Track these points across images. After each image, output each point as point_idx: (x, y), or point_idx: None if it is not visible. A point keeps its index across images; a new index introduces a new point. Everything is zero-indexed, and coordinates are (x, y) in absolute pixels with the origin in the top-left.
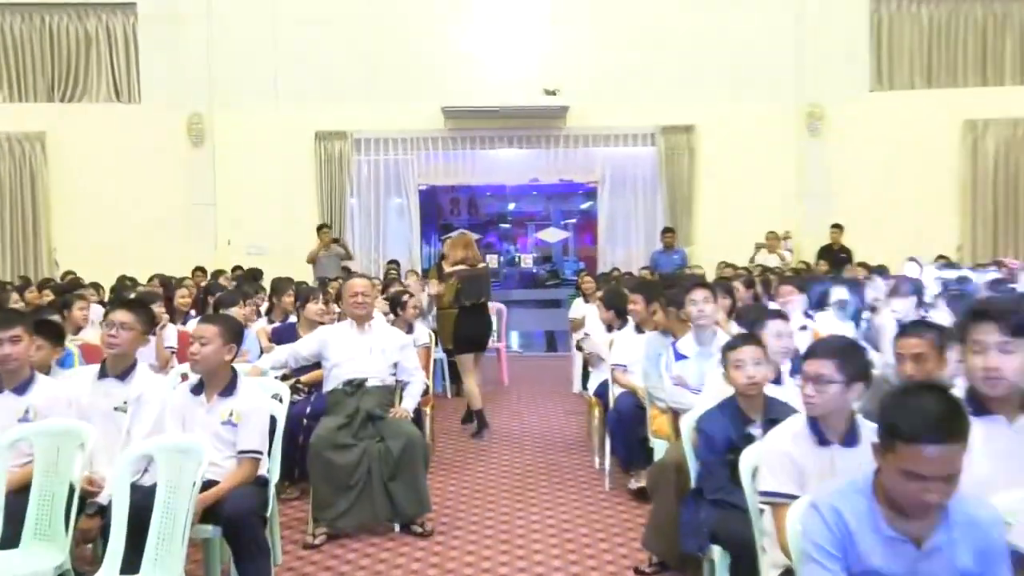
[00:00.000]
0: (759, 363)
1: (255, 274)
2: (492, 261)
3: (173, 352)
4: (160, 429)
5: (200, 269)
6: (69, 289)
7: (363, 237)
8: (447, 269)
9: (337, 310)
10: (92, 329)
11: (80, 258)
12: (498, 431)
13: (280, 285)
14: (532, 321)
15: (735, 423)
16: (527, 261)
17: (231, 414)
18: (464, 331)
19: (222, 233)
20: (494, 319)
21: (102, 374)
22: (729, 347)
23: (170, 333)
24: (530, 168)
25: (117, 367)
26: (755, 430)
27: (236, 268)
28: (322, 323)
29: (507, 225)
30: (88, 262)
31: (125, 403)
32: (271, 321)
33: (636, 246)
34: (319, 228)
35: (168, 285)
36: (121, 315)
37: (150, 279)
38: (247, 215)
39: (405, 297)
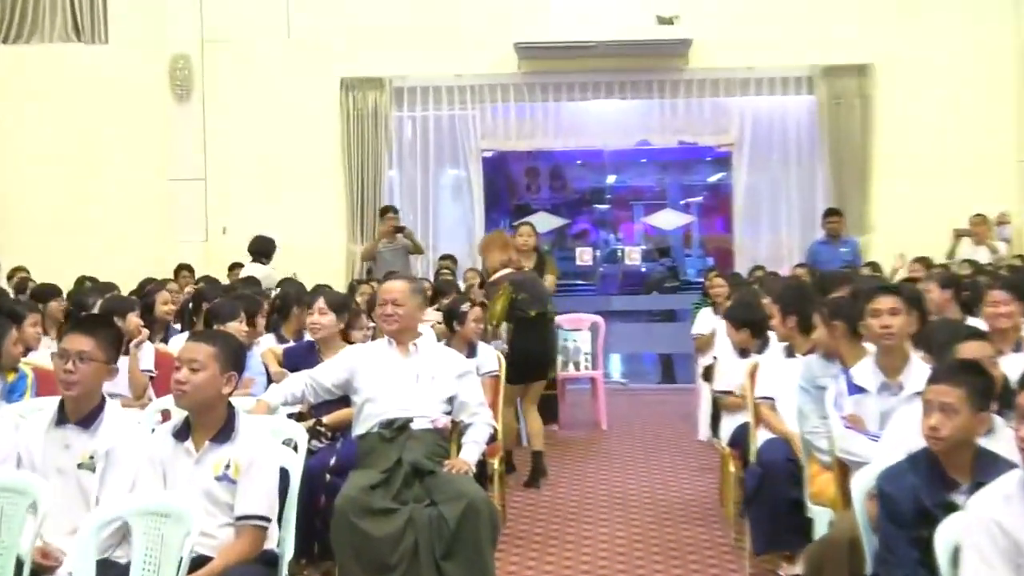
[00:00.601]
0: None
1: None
2: (583, 256)
3: (151, 378)
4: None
5: (186, 268)
6: (45, 296)
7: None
8: (491, 277)
9: (371, 324)
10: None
11: (26, 252)
12: (593, 494)
13: (293, 291)
14: (641, 340)
15: (931, 485)
16: (633, 256)
17: (228, 467)
18: (522, 352)
19: (215, 218)
20: (587, 337)
21: (60, 419)
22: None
23: (147, 353)
24: (637, 127)
25: (79, 410)
26: (959, 496)
27: (234, 267)
28: (349, 342)
29: (605, 206)
30: (37, 257)
31: (91, 458)
32: (281, 339)
33: (788, 235)
34: (384, 212)
35: (147, 289)
36: (78, 341)
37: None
38: (248, 193)
39: (465, 307)
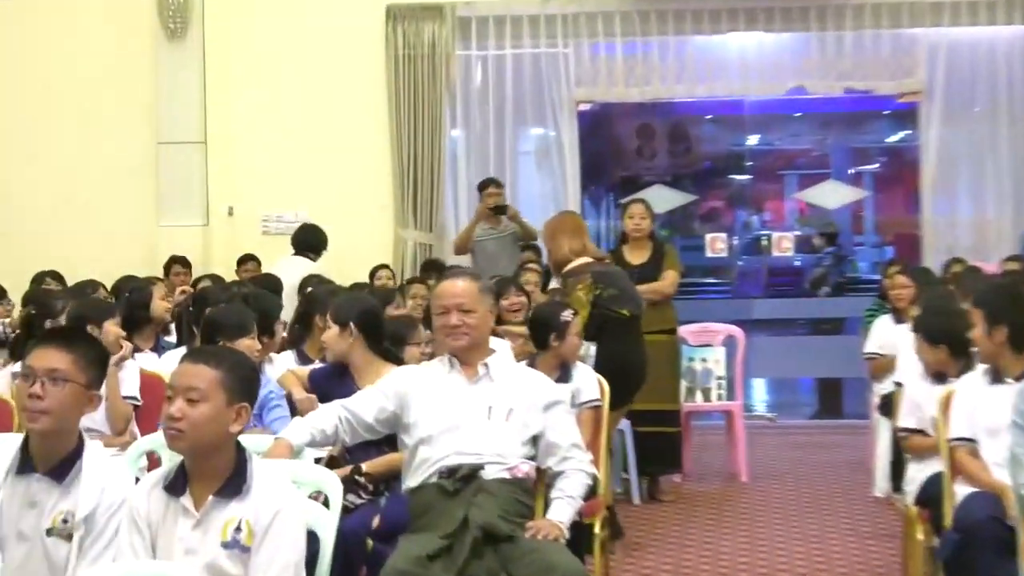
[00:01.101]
0: None
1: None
2: (715, 245)
3: (136, 407)
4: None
5: (179, 261)
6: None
7: (474, 199)
8: (565, 268)
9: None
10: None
11: None
12: (729, 568)
13: (320, 294)
14: (794, 359)
15: None
16: (784, 244)
17: (239, 529)
18: (620, 364)
19: (218, 195)
20: (720, 355)
21: (23, 467)
22: None
23: (130, 374)
24: (789, 70)
25: (49, 455)
26: None
27: (245, 260)
28: (399, 363)
29: (744, 177)
30: None
31: (66, 522)
32: (303, 359)
33: (997, 215)
34: (483, 186)
35: (125, 289)
36: (49, 357)
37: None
38: (263, 162)
39: (568, 315)
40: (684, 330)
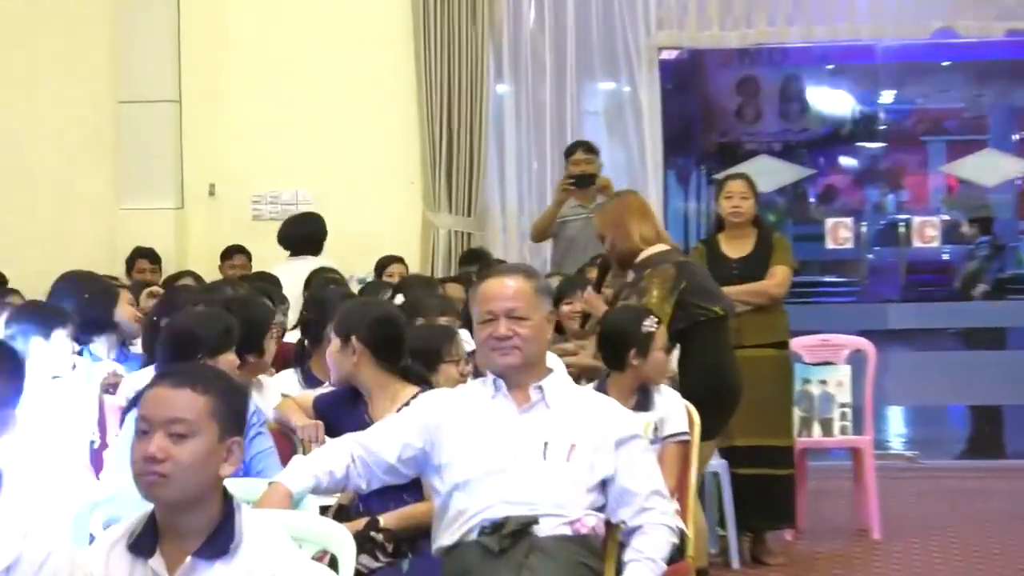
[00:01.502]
0: None
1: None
2: (837, 233)
3: (96, 449)
4: None
5: (147, 254)
6: None
7: (523, 174)
8: (640, 257)
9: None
10: None
11: None
12: None
13: (329, 296)
14: (941, 380)
15: None
16: (927, 233)
17: None
18: (715, 378)
19: (196, 169)
20: (845, 376)
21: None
22: None
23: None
24: (933, 7)
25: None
26: None
27: (231, 253)
28: (425, 385)
29: (876, 145)
30: None
31: None
32: (310, 380)
33: None
34: (571, 150)
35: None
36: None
37: None
38: (252, 127)
39: (651, 324)
40: (798, 343)
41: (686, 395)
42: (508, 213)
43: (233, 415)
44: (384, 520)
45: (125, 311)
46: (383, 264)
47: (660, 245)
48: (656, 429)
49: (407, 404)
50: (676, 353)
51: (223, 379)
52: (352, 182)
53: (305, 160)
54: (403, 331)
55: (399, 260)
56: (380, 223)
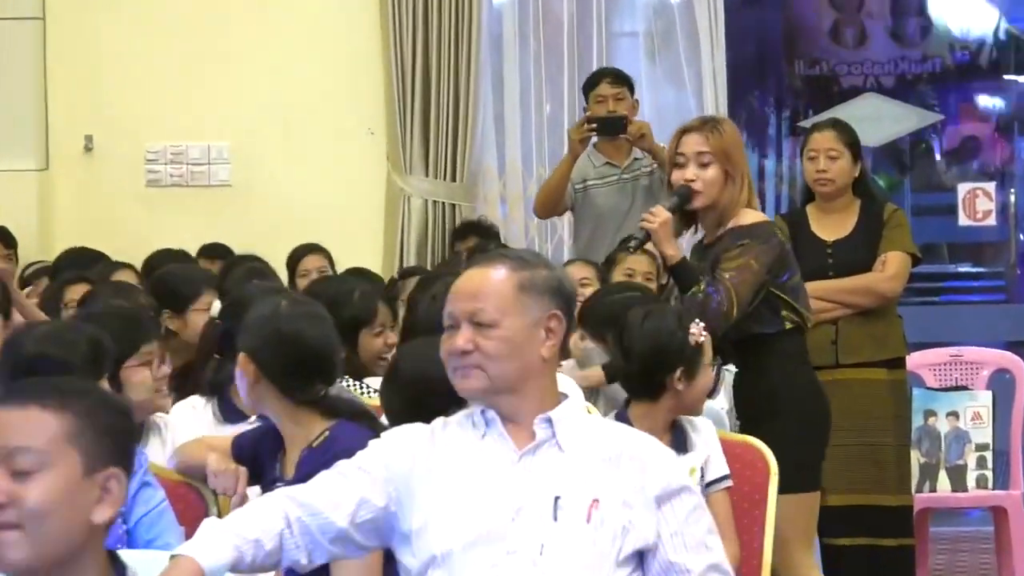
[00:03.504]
0: None
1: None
2: (973, 207)
3: None
4: None
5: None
6: None
7: (530, 120)
8: (742, 218)
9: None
10: None
11: None
12: None
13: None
14: None
15: None
16: None
17: None
18: (799, 406)
19: (66, 117)
20: (984, 406)
21: None
22: None
23: None
24: None
25: None
26: None
27: (302, 254)
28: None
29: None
30: None
31: None
32: (228, 411)
33: None
34: (591, 83)
35: None
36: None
37: None
38: (145, 58)
39: (699, 332)
40: (918, 361)
41: (764, 429)
42: (509, 176)
43: (106, 439)
44: None
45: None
46: (297, 256)
47: (759, 212)
48: (702, 476)
49: (316, 445)
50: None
51: (89, 393)
52: (285, 134)
53: (220, 103)
54: (311, 351)
55: (318, 249)
56: (325, 191)
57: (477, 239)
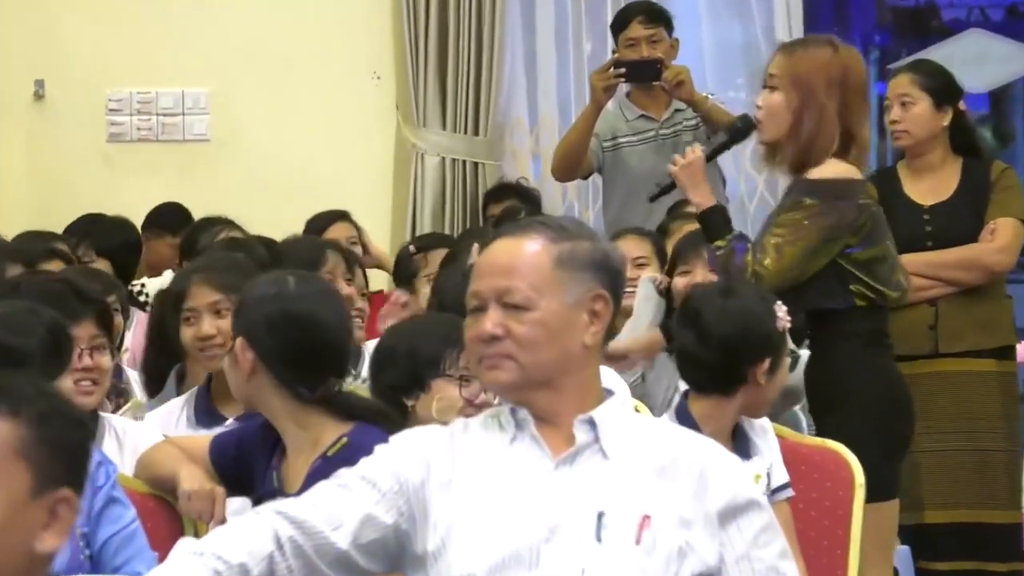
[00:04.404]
0: None
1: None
2: None
3: None
4: None
5: None
6: None
7: (566, 65)
8: (821, 170)
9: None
10: None
11: None
12: None
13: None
14: None
15: None
16: None
17: None
18: (879, 398)
19: (11, 56)
20: None
21: None
22: None
23: None
24: None
25: None
26: None
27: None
28: (384, 420)
29: None
30: None
31: None
32: (203, 412)
33: None
34: (621, 22)
35: None
36: None
37: None
38: None
39: (784, 315)
40: None
41: (828, 423)
42: (543, 129)
43: (60, 454)
44: None
45: None
46: (318, 226)
47: (847, 167)
48: (767, 483)
49: (332, 453)
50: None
51: (45, 396)
52: (274, 79)
53: (197, 42)
54: (325, 337)
55: (342, 217)
56: (323, 148)
57: (512, 203)
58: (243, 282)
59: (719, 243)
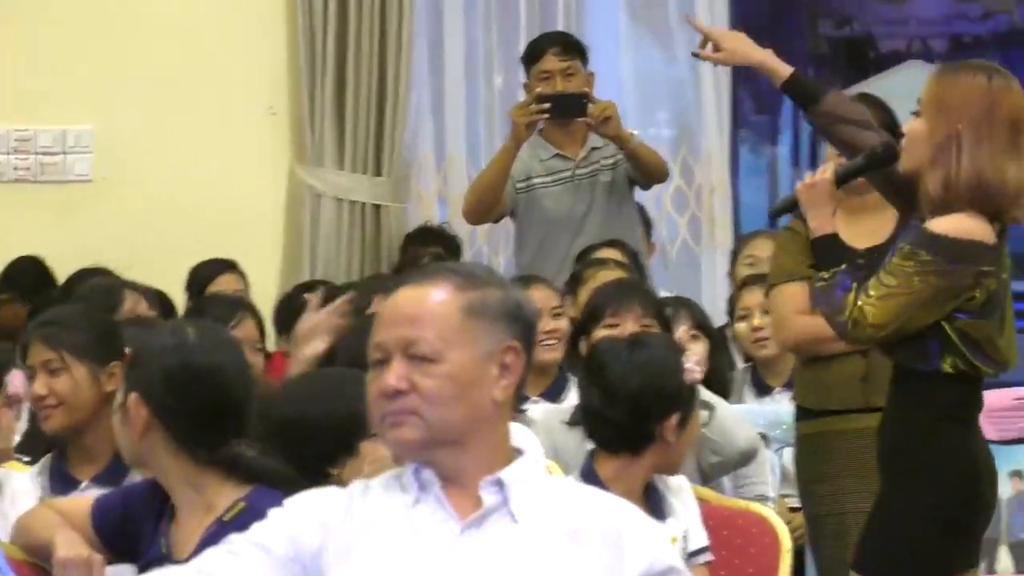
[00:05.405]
0: None
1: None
2: None
3: None
4: None
5: None
6: None
7: (477, 99)
8: (958, 229)
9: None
10: None
11: None
12: None
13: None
14: None
15: None
16: None
17: None
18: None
19: None
20: None
21: None
22: None
23: None
24: None
25: None
26: None
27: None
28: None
29: None
30: None
31: None
32: (57, 476)
33: None
34: (534, 53)
35: None
36: None
37: None
38: None
39: (695, 363)
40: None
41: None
42: (450, 169)
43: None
44: None
45: None
46: (203, 276)
47: (979, 225)
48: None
49: (228, 518)
50: None
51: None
52: (161, 116)
53: (79, 77)
54: (228, 392)
55: (230, 267)
56: (212, 189)
57: (434, 249)
58: (90, 337)
59: (823, 274)
